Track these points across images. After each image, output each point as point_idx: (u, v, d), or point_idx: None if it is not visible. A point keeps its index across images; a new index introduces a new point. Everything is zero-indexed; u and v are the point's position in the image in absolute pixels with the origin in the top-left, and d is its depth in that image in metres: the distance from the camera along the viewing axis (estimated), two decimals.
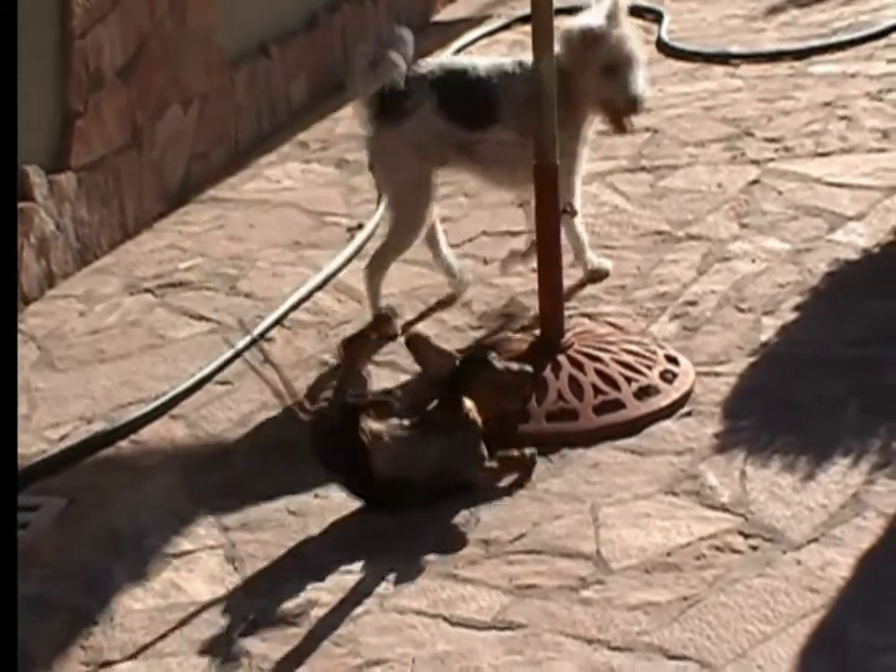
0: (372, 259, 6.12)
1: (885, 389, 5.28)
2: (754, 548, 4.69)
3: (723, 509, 4.88)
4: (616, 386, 5.44)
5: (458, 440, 5.01)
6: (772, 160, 6.92)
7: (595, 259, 6.29)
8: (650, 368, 5.54)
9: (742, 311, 5.92)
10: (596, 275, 6.27)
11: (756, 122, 7.25)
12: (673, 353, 5.66)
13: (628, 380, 5.47)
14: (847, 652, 4.29)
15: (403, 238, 6.07)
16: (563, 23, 5.79)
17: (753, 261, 6.23)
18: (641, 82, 5.92)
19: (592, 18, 5.92)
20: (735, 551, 4.70)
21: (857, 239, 6.28)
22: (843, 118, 7.18)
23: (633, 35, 5.99)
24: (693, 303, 6.01)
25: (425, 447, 4.98)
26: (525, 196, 6.08)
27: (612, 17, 5.87)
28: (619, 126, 6.02)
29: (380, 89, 5.82)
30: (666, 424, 5.34)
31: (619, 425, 5.34)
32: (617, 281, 6.20)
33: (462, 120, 5.91)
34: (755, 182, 6.77)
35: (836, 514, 4.80)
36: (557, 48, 5.62)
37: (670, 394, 5.44)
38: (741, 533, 4.77)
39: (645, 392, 5.44)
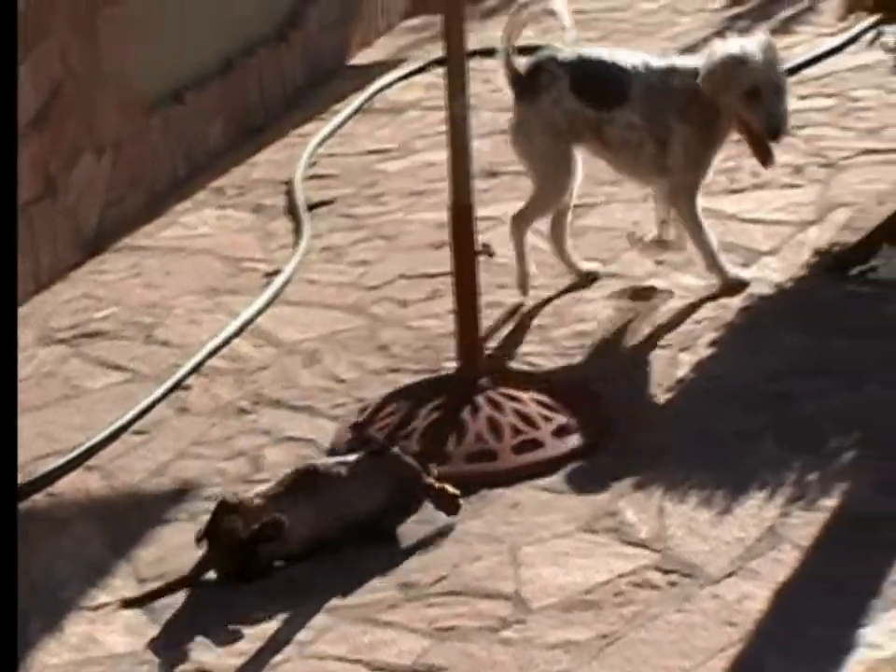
0: (517, 216, 6.36)
1: (800, 422, 5.31)
2: (672, 583, 4.70)
3: (642, 545, 4.89)
4: (535, 426, 5.44)
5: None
6: None
7: (731, 268, 6.28)
8: (568, 405, 5.54)
9: (661, 346, 5.93)
10: (733, 287, 6.25)
11: None
12: (593, 391, 5.66)
13: (546, 419, 5.47)
14: None
15: (547, 201, 6.34)
16: (712, 45, 6.09)
17: (670, 297, 6.24)
18: (785, 110, 5.97)
19: (740, 42, 5.98)
20: (653, 587, 4.71)
21: (771, 274, 6.30)
22: None
23: (780, 62, 6.07)
24: (610, 340, 6.02)
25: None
26: (650, 188, 6.45)
27: (765, 47, 5.91)
28: (762, 154, 6.06)
29: (520, 68, 6.18)
30: (585, 462, 5.34)
31: (538, 464, 5.33)
32: (535, 320, 6.20)
33: (592, 100, 6.13)
34: (663, 221, 6.76)
35: (753, 548, 4.81)
36: (701, 68, 5.92)
37: (589, 432, 5.44)
38: (659, 569, 4.78)
39: (565, 430, 5.44)
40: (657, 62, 6.18)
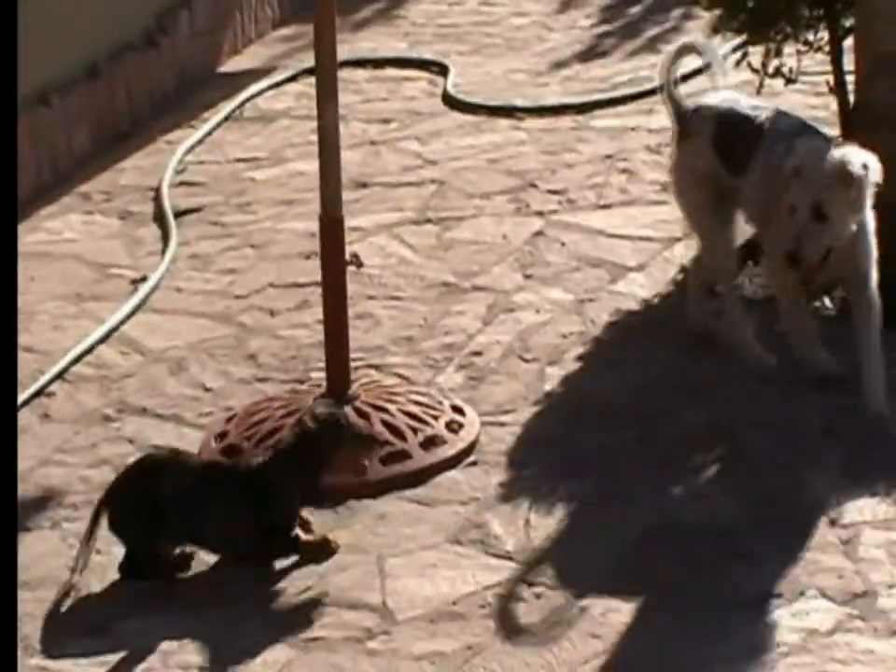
0: (692, 270, 6.11)
1: (665, 437, 5.37)
2: (538, 595, 4.72)
3: (508, 557, 4.91)
4: (402, 437, 5.43)
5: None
6: (555, 211, 6.98)
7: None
8: (436, 418, 5.54)
9: (526, 361, 5.96)
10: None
11: (540, 175, 7.31)
12: (459, 403, 5.67)
13: (414, 430, 5.47)
14: None
15: (713, 260, 5.96)
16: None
17: (537, 312, 6.26)
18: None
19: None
20: (519, 599, 4.73)
21: (638, 290, 6.36)
22: (624, 170, 7.27)
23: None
24: (478, 354, 6.03)
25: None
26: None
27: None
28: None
29: (681, 108, 5.84)
30: (452, 474, 5.35)
31: (405, 475, 5.34)
32: (403, 332, 6.20)
33: (726, 161, 5.73)
34: (539, 234, 6.81)
35: (619, 562, 4.86)
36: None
37: (456, 444, 5.46)
38: (525, 581, 4.80)
39: (431, 442, 5.45)
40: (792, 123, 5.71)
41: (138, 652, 4.61)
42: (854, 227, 5.20)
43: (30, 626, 4.74)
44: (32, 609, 4.80)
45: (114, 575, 4.94)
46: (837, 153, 5.18)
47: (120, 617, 4.76)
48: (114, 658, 4.58)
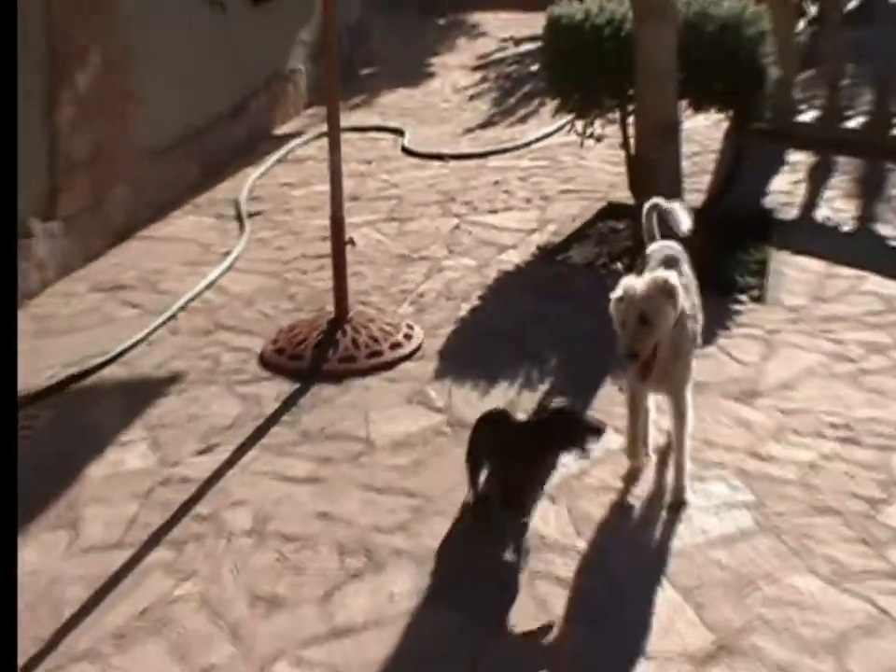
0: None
1: (529, 349, 5.33)
2: (455, 432, 4.74)
3: (438, 411, 4.93)
4: (378, 343, 5.45)
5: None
6: (465, 214, 6.97)
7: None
8: (398, 332, 5.55)
9: (449, 300, 5.94)
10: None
11: (457, 193, 7.30)
12: (411, 324, 5.65)
13: (385, 338, 5.47)
14: None
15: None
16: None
17: (456, 272, 6.25)
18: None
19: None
20: (444, 434, 4.75)
21: (513, 258, 6.36)
22: (505, 191, 7.27)
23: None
24: (421, 296, 6.01)
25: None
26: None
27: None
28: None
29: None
30: (407, 364, 5.34)
31: (381, 365, 5.33)
32: (378, 283, 6.17)
33: None
34: (456, 227, 6.81)
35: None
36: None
37: (409, 347, 5.45)
38: (448, 424, 4.82)
39: (395, 346, 5.44)
40: None
41: (227, 465, 4.62)
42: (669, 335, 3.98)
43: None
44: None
45: None
46: (655, 275, 3.95)
47: (214, 442, 4.75)
48: (217, 460, 4.60)
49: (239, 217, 7.17)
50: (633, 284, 3.93)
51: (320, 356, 5.38)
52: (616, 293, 3.92)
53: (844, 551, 3.92)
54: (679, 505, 4.18)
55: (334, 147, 5.45)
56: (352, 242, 5.67)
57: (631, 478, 4.36)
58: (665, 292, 3.89)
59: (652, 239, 4.47)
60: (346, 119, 7.67)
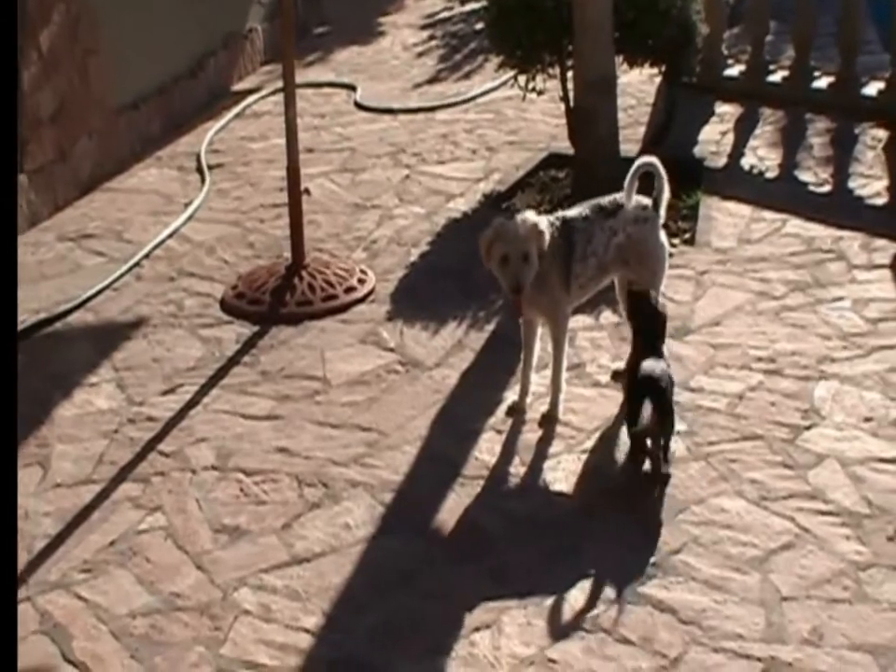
0: None
1: (475, 291, 5.19)
2: (407, 371, 4.69)
3: (390, 350, 4.85)
4: (333, 287, 5.34)
5: None
6: (415, 165, 6.82)
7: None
8: (352, 276, 5.43)
9: (401, 245, 5.83)
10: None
11: (406, 145, 7.13)
12: (364, 268, 5.54)
13: (340, 283, 5.36)
14: (455, 418, 4.33)
15: None
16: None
17: (406, 219, 6.11)
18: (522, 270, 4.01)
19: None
20: (396, 372, 4.69)
21: (461, 207, 6.23)
22: (452, 142, 7.10)
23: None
24: (374, 242, 5.88)
25: None
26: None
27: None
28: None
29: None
30: (361, 307, 5.24)
31: (336, 308, 5.22)
32: (333, 230, 6.01)
33: None
34: (407, 177, 6.65)
35: (450, 350, 4.82)
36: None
37: (363, 290, 5.34)
38: (400, 363, 4.75)
39: (350, 289, 5.33)
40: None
41: (190, 405, 4.53)
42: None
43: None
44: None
45: None
46: (525, 217, 4.06)
47: (178, 384, 4.65)
48: (180, 399, 4.50)
49: (200, 170, 6.97)
50: (512, 226, 4.03)
51: (278, 300, 5.26)
52: (491, 233, 4.04)
53: (768, 475, 3.91)
54: (552, 419, 4.24)
55: (290, 102, 5.31)
56: (307, 191, 5.55)
57: (518, 412, 4.31)
58: (539, 233, 4.02)
59: (630, 194, 4.28)
60: (301, 76, 7.48)
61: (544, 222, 4.10)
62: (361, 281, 5.41)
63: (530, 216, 4.10)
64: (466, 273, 5.44)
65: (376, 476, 4.03)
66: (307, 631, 3.39)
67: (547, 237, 4.06)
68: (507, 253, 3.99)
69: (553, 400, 4.28)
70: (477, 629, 3.35)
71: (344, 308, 5.21)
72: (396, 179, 6.65)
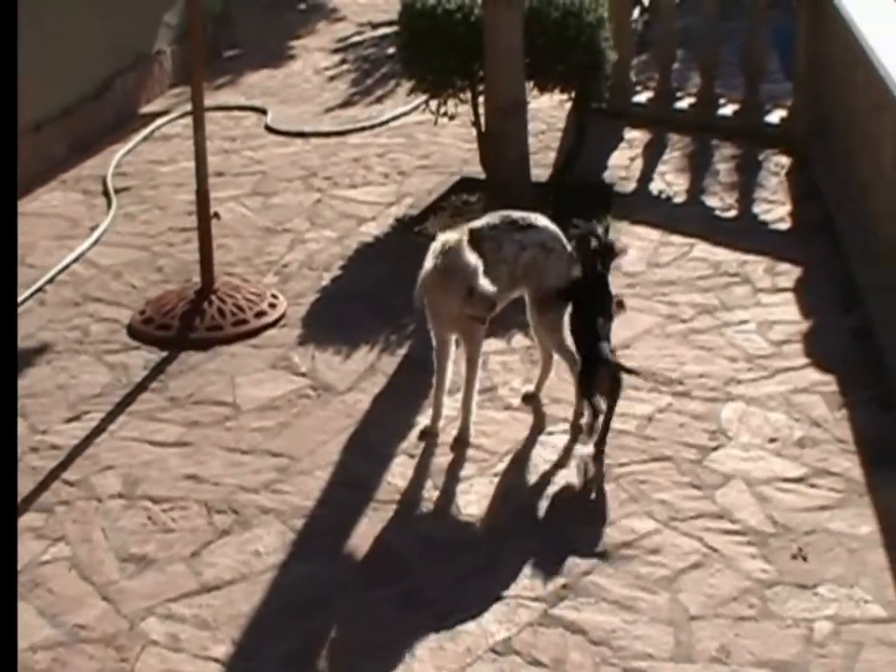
0: None
1: (388, 315, 5.24)
2: (318, 395, 4.70)
3: (302, 375, 4.86)
4: (244, 311, 5.32)
5: None
6: (327, 189, 6.83)
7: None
8: (263, 300, 5.42)
9: (312, 269, 5.84)
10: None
11: (318, 169, 7.14)
12: (275, 293, 5.54)
13: (251, 307, 5.35)
14: (367, 442, 4.35)
15: None
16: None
17: (318, 243, 6.13)
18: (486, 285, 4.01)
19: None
20: (307, 397, 4.69)
21: (373, 230, 6.27)
22: (364, 166, 7.14)
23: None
24: (286, 266, 5.88)
25: None
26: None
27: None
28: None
29: None
30: (272, 331, 5.24)
31: (246, 332, 5.21)
32: (243, 254, 6.00)
33: None
34: (318, 201, 6.67)
35: (362, 374, 4.84)
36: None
37: (274, 315, 5.34)
38: (312, 387, 4.76)
39: (260, 314, 5.32)
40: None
41: (96, 432, 4.47)
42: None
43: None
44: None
45: None
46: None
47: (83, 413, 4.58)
48: (86, 427, 4.44)
49: (106, 193, 6.90)
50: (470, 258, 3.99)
51: (188, 325, 5.23)
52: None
53: (677, 495, 4.00)
54: (463, 442, 4.27)
55: (199, 125, 5.31)
56: (217, 215, 5.53)
57: (430, 435, 4.33)
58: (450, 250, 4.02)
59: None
60: (211, 99, 7.48)
61: (452, 236, 4.05)
62: (272, 305, 5.40)
63: (441, 238, 4.08)
64: (378, 297, 5.48)
65: (287, 502, 4.03)
66: (216, 661, 3.37)
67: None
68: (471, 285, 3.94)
69: (463, 424, 4.32)
70: (391, 654, 3.36)
71: (255, 333, 5.20)
72: (307, 203, 6.66)
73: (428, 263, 4.08)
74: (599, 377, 4.08)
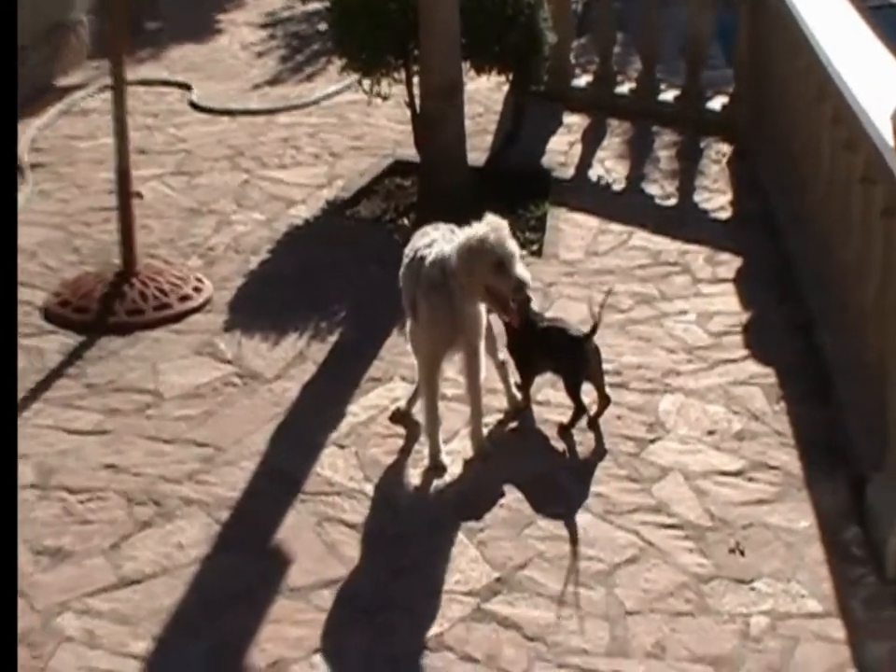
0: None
1: (317, 301, 5.25)
2: (245, 384, 4.68)
3: (227, 362, 4.83)
4: (167, 295, 5.28)
5: None
6: (255, 169, 6.79)
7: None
8: (186, 284, 5.38)
9: (239, 253, 5.81)
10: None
11: (246, 148, 7.10)
12: (200, 276, 5.50)
13: (174, 291, 5.30)
14: (296, 432, 4.35)
15: None
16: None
17: (245, 225, 6.10)
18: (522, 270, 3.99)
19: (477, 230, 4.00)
20: (233, 385, 4.67)
21: (303, 213, 6.25)
22: (294, 147, 7.12)
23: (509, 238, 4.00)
24: (211, 249, 5.84)
25: None
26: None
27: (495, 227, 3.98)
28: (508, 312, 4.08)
29: None
30: (196, 316, 5.20)
31: (169, 317, 5.17)
32: (167, 236, 5.96)
33: None
34: (246, 181, 6.63)
35: (291, 362, 4.83)
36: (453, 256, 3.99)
37: (199, 299, 5.30)
38: (238, 375, 4.74)
39: (185, 298, 5.29)
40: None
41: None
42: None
43: None
44: None
45: None
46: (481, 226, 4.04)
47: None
48: None
49: (20, 169, 6.78)
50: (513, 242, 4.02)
51: (107, 309, 5.17)
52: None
53: (614, 488, 4.05)
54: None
55: (119, 100, 5.24)
56: (139, 195, 5.49)
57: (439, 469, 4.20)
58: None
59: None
60: (132, 73, 7.34)
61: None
62: (197, 289, 5.36)
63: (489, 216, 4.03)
64: (307, 281, 5.46)
65: (212, 493, 4.00)
66: (136, 657, 3.33)
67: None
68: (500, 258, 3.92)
69: (478, 439, 4.23)
70: (317, 650, 3.36)
71: (179, 318, 5.15)
72: (234, 184, 6.61)
73: (470, 232, 3.98)
74: (586, 359, 4.27)
